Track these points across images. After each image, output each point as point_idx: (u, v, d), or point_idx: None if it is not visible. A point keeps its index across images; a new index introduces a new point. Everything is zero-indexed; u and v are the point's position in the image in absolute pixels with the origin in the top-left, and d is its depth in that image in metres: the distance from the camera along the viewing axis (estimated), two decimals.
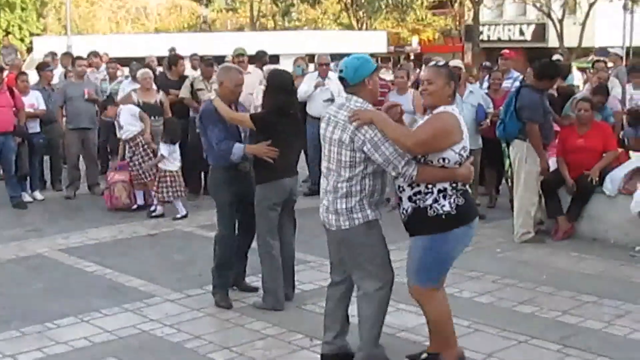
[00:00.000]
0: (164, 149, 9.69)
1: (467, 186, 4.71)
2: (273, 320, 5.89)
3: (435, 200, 4.59)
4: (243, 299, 6.42)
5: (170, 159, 9.72)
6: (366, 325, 4.92)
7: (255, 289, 6.59)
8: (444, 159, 4.55)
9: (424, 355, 5.02)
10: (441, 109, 4.64)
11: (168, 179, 9.66)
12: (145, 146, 10.08)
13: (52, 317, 6.04)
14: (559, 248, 7.97)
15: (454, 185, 4.60)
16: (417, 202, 4.64)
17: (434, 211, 4.59)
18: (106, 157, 12.77)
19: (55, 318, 6.01)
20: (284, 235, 6.33)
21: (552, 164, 8.42)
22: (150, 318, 6.02)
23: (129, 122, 10.08)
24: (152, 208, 9.91)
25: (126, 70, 15.76)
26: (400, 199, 4.74)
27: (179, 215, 9.63)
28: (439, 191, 4.59)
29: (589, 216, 8.33)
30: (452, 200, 4.59)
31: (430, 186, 4.60)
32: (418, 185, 4.61)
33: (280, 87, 6.22)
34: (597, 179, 8.18)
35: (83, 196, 11.26)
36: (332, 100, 10.56)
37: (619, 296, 6.32)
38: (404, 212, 4.73)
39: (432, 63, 4.95)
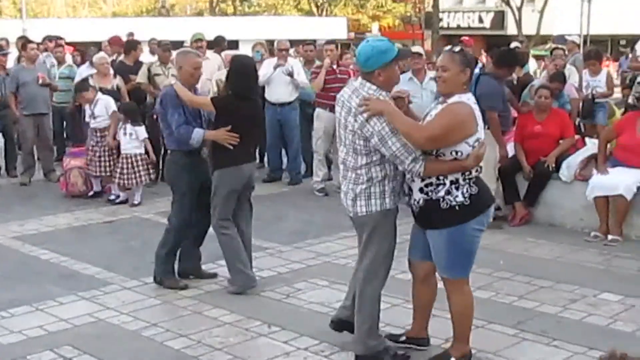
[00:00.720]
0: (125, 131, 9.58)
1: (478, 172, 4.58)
2: (231, 308, 5.85)
3: (448, 192, 4.47)
4: (200, 287, 6.37)
5: (130, 141, 9.58)
6: (360, 317, 4.85)
7: (214, 275, 6.56)
8: (456, 152, 4.44)
9: (403, 338, 5.07)
10: (455, 98, 4.51)
11: (129, 163, 9.52)
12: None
13: (6, 305, 5.93)
14: (515, 234, 8.05)
15: (466, 174, 4.48)
16: (429, 193, 4.53)
17: (447, 203, 4.48)
18: (62, 143, 12.60)
19: (9, 307, 5.91)
20: (240, 222, 6.31)
21: (511, 150, 8.48)
22: (106, 306, 5.94)
23: (104, 114, 9.78)
24: (112, 196, 9.76)
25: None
26: (411, 188, 4.64)
27: (136, 202, 9.54)
28: (451, 182, 4.47)
29: (546, 202, 8.42)
30: (464, 190, 4.47)
31: (441, 177, 4.48)
32: (430, 176, 4.51)
33: (242, 72, 6.21)
34: (553, 165, 8.26)
35: (38, 183, 11.11)
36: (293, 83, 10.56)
37: (574, 281, 6.39)
38: (415, 203, 4.61)
39: (448, 48, 4.84)
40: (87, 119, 9.99)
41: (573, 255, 7.26)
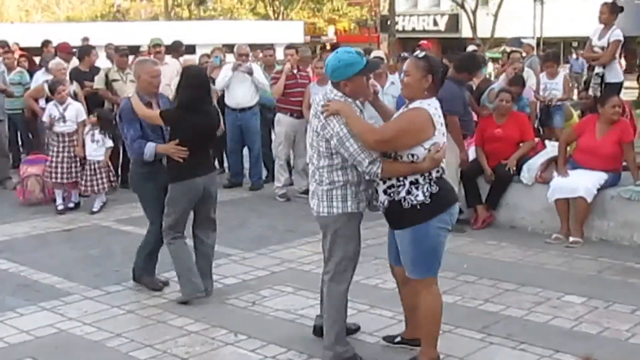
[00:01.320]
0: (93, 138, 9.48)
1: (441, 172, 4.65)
2: (196, 316, 5.78)
3: (409, 192, 4.56)
4: (164, 295, 6.29)
5: (97, 148, 9.47)
6: (328, 322, 4.87)
7: (166, 282, 6.51)
8: (412, 155, 4.52)
9: (398, 339, 5.13)
10: (416, 103, 4.58)
11: (93, 169, 9.42)
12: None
13: None
14: (478, 236, 8.08)
15: (425, 175, 4.55)
16: (392, 194, 4.62)
17: (409, 203, 4.57)
18: (17, 150, 12.37)
19: None
20: (199, 233, 6.27)
21: (472, 153, 8.53)
22: (68, 316, 5.83)
23: (73, 119, 9.51)
24: (61, 207, 9.56)
25: (37, 60, 15.34)
26: (377, 191, 4.73)
27: (95, 209, 9.40)
28: (411, 183, 4.56)
29: (507, 204, 8.47)
30: (425, 189, 4.55)
31: (401, 178, 4.57)
32: (390, 178, 4.60)
33: (190, 83, 6.08)
34: (514, 168, 8.32)
35: None
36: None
37: (537, 283, 6.43)
38: (381, 205, 4.72)
39: (416, 54, 4.88)
40: (46, 120, 9.58)
41: (535, 258, 7.31)
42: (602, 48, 9.52)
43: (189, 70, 6.47)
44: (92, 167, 9.43)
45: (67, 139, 9.50)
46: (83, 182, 9.43)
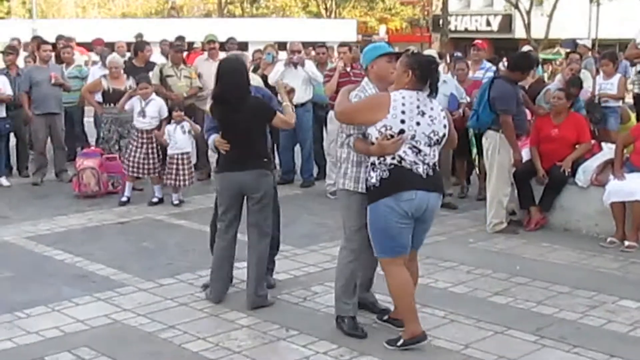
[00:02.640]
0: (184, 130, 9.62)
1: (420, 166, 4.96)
2: (247, 311, 5.82)
3: (369, 173, 5.03)
4: None
5: (189, 138, 9.67)
6: (335, 283, 5.53)
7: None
8: (365, 135, 5.03)
9: (385, 317, 5.51)
10: (390, 89, 5.08)
11: (184, 162, 9.55)
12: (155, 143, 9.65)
13: (21, 306, 5.91)
14: (531, 238, 8.00)
15: (381, 159, 4.95)
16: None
17: (367, 183, 5.07)
18: (73, 143, 12.57)
19: (25, 307, 5.88)
20: (250, 236, 6.07)
21: (526, 154, 8.44)
22: (122, 307, 5.92)
23: (155, 115, 9.60)
24: (124, 198, 9.69)
25: (93, 55, 15.60)
26: None
27: (176, 202, 9.62)
28: (371, 164, 5.02)
29: (561, 207, 8.37)
30: (378, 173, 4.96)
31: (367, 160, 5.07)
32: (367, 158, 5.09)
33: (219, 75, 5.97)
34: (569, 170, 8.22)
35: (50, 183, 11.09)
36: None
37: (592, 287, 6.35)
38: None
39: (411, 50, 5.16)
40: (135, 122, 9.68)
41: (589, 261, 7.21)
42: None
43: (222, 63, 6.20)
44: (180, 159, 9.49)
45: (145, 135, 9.59)
46: (175, 176, 9.49)
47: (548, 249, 7.60)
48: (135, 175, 9.69)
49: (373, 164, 5.00)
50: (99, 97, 10.74)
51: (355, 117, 5.08)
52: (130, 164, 9.61)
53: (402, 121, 4.90)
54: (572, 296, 6.16)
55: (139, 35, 16.50)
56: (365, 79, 5.34)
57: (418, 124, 4.93)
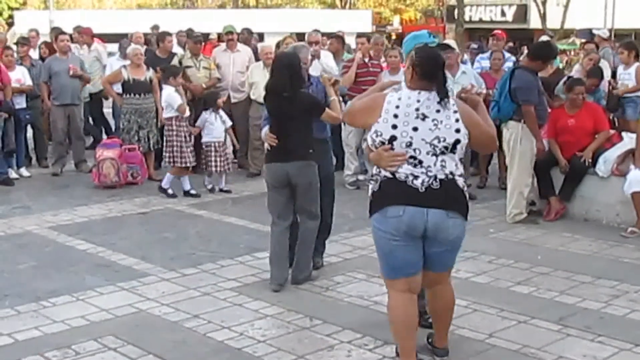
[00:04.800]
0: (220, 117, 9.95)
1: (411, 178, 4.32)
2: (271, 300, 5.85)
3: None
4: (239, 279, 6.37)
5: (222, 125, 9.97)
6: None
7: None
8: (366, 140, 4.62)
9: (429, 340, 4.91)
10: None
11: (222, 148, 9.89)
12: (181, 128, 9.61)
13: (46, 295, 5.97)
14: (551, 228, 7.99)
15: (377, 170, 4.45)
16: None
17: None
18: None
19: (49, 296, 5.94)
20: (299, 219, 6.35)
21: (545, 145, 8.42)
22: (146, 297, 5.95)
23: (165, 105, 9.60)
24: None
25: (109, 46, 15.64)
26: None
27: (225, 188, 9.92)
28: (371, 175, 4.59)
29: (581, 197, 8.36)
30: (373, 185, 4.49)
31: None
32: None
33: (273, 67, 6.23)
34: (590, 160, 8.20)
35: (69, 173, 11.15)
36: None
37: (614, 276, 6.35)
38: None
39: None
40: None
41: (611, 251, 7.20)
42: None
43: (277, 56, 6.60)
44: (218, 146, 9.84)
45: (174, 123, 9.57)
46: (208, 163, 9.80)
47: (569, 239, 7.59)
48: (182, 165, 9.60)
49: (372, 174, 4.54)
50: (117, 87, 10.78)
51: (354, 119, 4.77)
52: (180, 154, 9.57)
53: (394, 126, 4.31)
54: (595, 286, 6.16)
55: (155, 27, 16.53)
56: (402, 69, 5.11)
57: (415, 129, 4.29)
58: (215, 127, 9.84)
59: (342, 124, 10.73)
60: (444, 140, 4.30)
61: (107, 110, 13.35)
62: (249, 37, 12.76)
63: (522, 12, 41.74)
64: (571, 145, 8.41)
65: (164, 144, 9.68)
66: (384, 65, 10.46)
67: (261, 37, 23.10)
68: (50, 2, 27.53)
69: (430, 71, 4.33)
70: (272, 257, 6.26)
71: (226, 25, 11.70)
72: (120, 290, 6.14)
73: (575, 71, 10.88)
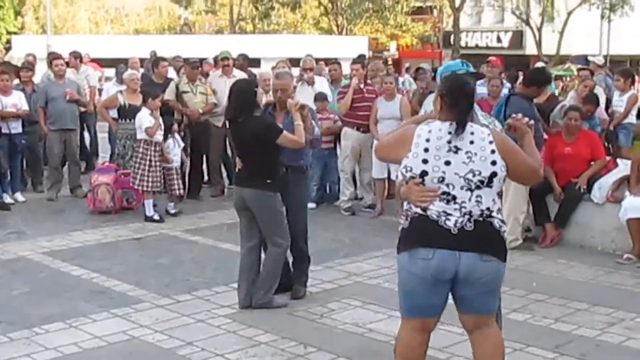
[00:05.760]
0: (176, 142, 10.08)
1: (436, 212, 4.03)
2: (265, 327, 5.82)
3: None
4: (233, 305, 6.34)
5: (179, 151, 10.09)
6: None
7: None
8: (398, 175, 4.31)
9: None
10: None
11: (178, 173, 10.03)
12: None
13: (39, 321, 5.93)
14: (547, 255, 7.98)
15: (408, 206, 4.16)
16: None
17: None
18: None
19: (42, 323, 5.90)
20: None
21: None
22: (140, 324, 5.92)
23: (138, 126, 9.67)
24: (157, 216, 9.69)
25: (107, 71, 15.72)
26: None
27: (173, 211, 9.92)
28: (403, 210, 4.27)
29: (577, 223, 8.35)
30: (403, 221, 4.20)
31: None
32: None
33: (228, 94, 6.36)
34: (585, 186, 8.21)
35: (65, 198, 11.12)
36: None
37: (609, 303, 6.33)
38: None
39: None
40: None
41: (606, 278, 7.19)
42: None
43: (233, 84, 6.64)
44: (175, 170, 9.91)
45: (142, 145, 9.64)
46: (176, 186, 9.92)
47: (565, 266, 7.58)
48: (149, 189, 9.67)
49: (403, 209, 4.23)
50: (114, 112, 10.79)
51: (385, 154, 4.49)
52: (148, 178, 9.65)
53: (425, 161, 4.04)
54: (590, 313, 6.14)
55: (153, 52, 16.62)
56: None
57: (447, 163, 4.01)
58: (174, 152, 9.94)
59: (338, 150, 10.78)
60: (479, 174, 4.01)
61: (103, 135, 13.36)
62: (244, 63, 12.81)
63: (518, 38, 42.05)
64: (568, 172, 8.42)
65: (133, 166, 9.72)
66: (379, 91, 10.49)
67: (258, 62, 23.24)
68: (47, 27, 27.61)
69: (455, 100, 4.11)
70: (239, 279, 6.35)
71: (222, 51, 11.74)
72: (114, 317, 6.11)
73: (570, 97, 10.91)
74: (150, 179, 9.53)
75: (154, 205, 9.77)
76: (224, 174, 11.61)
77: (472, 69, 4.95)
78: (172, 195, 9.97)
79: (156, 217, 9.55)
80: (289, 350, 5.39)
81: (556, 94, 14.38)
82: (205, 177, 11.70)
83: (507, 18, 41.99)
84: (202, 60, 14.66)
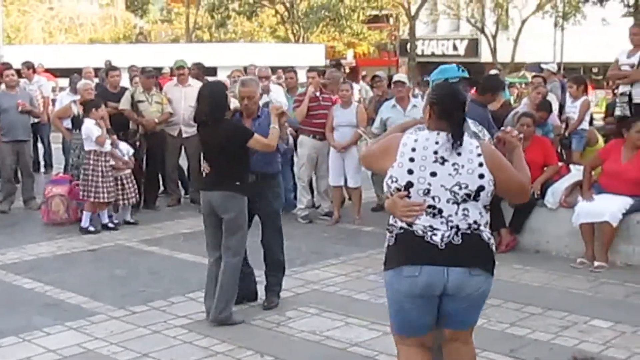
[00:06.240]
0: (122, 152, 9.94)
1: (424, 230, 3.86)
2: (221, 337, 5.79)
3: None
4: (189, 316, 6.30)
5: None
6: None
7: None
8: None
9: None
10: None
11: (128, 181, 9.88)
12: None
13: None
14: (502, 260, 7.92)
15: (393, 220, 3.99)
16: None
17: None
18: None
19: None
20: (223, 255, 6.21)
21: None
22: (95, 336, 5.85)
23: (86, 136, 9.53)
24: (92, 227, 9.53)
25: (60, 81, 15.55)
26: None
27: (131, 220, 9.91)
28: (389, 224, 4.06)
29: (531, 229, 8.45)
30: (388, 237, 4.01)
31: None
32: None
33: (197, 98, 6.25)
34: (539, 192, 8.30)
35: (18, 210, 10.96)
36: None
37: (564, 307, 6.41)
38: None
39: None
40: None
41: (561, 282, 7.28)
42: (632, 66, 9.32)
43: (202, 87, 6.57)
44: (124, 179, 9.78)
45: (92, 156, 9.53)
46: (125, 195, 9.84)
47: (520, 271, 7.65)
48: (104, 200, 9.58)
49: (388, 224, 4.04)
50: (67, 123, 10.67)
51: (370, 163, 4.28)
52: (101, 189, 9.53)
53: (410, 171, 3.88)
54: (545, 317, 6.21)
55: (108, 62, 16.49)
56: None
57: (433, 174, 3.86)
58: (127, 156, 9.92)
59: (295, 158, 10.79)
60: (466, 187, 3.85)
61: (57, 145, 13.21)
62: (200, 71, 12.75)
63: (474, 46, 42.52)
64: None
65: (80, 177, 9.58)
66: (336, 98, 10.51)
67: (214, 71, 23.18)
68: (0, 37, 27.25)
69: (448, 110, 3.92)
70: (206, 289, 6.25)
71: (177, 60, 11.69)
72: (68, 329, 6.02)
73: (523, 104, 11.04)
74: (104, 190, 9.42)
75: (110, 216, 9.70)
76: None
77: (467, 75, 4.77)
78: (127, 203, 9.89)
79: (91, 228, 9.47)
80: (245, 359, 5.37)
81: (512, 101, 14.58)
82: (162, 187, 11.62)
83: (462, 26, 42.47)
84: (159, 70, 14.64)
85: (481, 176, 3.86)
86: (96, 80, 13.59)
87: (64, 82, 14.92)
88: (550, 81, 13.48)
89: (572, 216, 7.90)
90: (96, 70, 14.78)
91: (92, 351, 5.57)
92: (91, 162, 9.44)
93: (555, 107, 11.45)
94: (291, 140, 6.60)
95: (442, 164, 3.87)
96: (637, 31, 9.43)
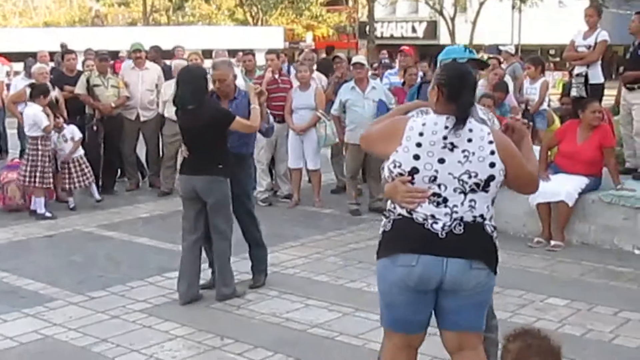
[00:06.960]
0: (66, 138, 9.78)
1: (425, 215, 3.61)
2: (181, 320, 5.78)
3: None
4: (149, 300, 6.27)
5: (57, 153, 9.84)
6: None
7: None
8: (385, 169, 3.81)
9: None
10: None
11: (76, 165, 9.79)
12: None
13: None
14: None
15: (392, 206, 3.74)
16: None
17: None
18: None
19: None
20: (212, 236, 6.36)
21: None
22: (53, 322, 5.79)
23: (30, 123, 9.41)
24: (48, 213, 9.44)
25: (15, 65, 15.31)
26: None
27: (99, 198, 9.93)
28: (387, 209, 3.84)
29: None
30: (385, 222, 3.76)
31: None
32: None
33: (177, 81, 6.35)
34: None
35: None
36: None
37: (521, 286, 6.49)
38: None
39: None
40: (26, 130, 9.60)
41: (518, 261, 7.36)
42: (588, 47, 9.40)
43: (181, 71, 6.58)
44: (75, 162, 9.72)
45: (36, 142, 9.44)
46: (69, 180, 9.73)
47: None
48: (40, 186, 9.47)
49: (387, 209, 3.80)
50: (22, 107, 10.49)
51: (372, 146, 3.92)
52: (43, 175, 9.45)
53: (416, 157, 3.60)
54: (503, 295, 6.27)
55: (63, 45, 16.25)
56: None
57: (441, 161, 3.58)
58: (64, 147, 9.75)
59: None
60: (476, 176, 3.59)
61: (12, 131, 13.01)
62: (157, 54, 12.63)
63: (432, 29, 42.66)
64: None
65: (25, 163, 9.45)
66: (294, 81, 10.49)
67: (172, 54, 22.95)
68: None
69: (457, 92, 3.63)
70: (180, 272, 6.26)
71: (134, 43, 11.55)
72: (26, 316, 5.96)
73: (481, 86, 11.10)
74: (45, 176, 9.36)
75: (66, 202, 9.63)
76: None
77: (475, 56, 4.43)
78: (74, 187, 9.87)
79: (48, 214, 9.39)
80: (205, 342, 5.36)
81: None
82: (119, 172, 11.52)
83: (421, 8, 42.58)
84: (115, 53, 14.47)
85: (492, 165, 3.60)
86: (52, 64, 13.38)
87: (19, 66, 14.69)
88: (509, 62, 13.59)
89: (529, 196, 7.98)
90: (52, 54, 14.55)
91: (51, 337, 5.52)
92: (39, 147, 9.33)
93: (511, 87, 11.53)
94: (272, 118, 6.55)
95: (452, 150, 3.59)
96: (592, 12, 9.53)
